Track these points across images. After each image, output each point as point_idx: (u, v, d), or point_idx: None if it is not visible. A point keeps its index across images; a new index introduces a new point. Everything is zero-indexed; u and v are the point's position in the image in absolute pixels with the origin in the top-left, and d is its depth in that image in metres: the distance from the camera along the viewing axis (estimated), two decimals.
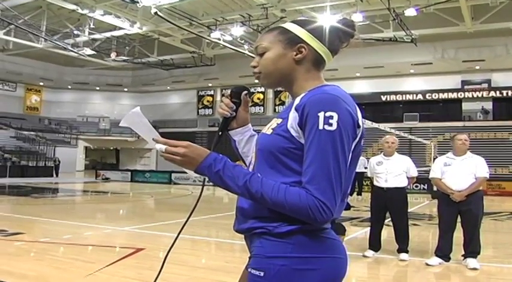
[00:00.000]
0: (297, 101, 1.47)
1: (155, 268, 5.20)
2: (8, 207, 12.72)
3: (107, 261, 5.46)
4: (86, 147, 41.33)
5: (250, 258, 1.50)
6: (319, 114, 1.37)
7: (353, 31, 1.60)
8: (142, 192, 20.27)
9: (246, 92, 1.70)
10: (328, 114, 1.36)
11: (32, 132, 37.15)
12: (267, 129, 1.51)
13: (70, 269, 5.25)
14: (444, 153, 6.29)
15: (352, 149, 1.43)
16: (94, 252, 6.47)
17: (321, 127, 1.36)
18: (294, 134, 1.42)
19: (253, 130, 1.79)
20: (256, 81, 1.62)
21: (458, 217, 5.73)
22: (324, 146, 1.36)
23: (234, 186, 1.40)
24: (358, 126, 1.44)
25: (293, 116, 1.43)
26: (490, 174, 5.97)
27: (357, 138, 1.45)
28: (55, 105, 42.46)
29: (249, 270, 1.46)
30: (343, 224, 7.00)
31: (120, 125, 1.58)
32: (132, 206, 14.81)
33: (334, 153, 1.36)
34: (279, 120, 1.49)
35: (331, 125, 1.36)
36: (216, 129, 1.68)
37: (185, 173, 1.54)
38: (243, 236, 1.56)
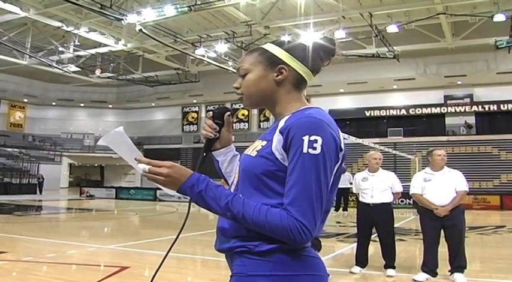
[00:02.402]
0: (281, 123, 1.49)
1: None
2: None
3: (91, 281, 5.39)
4: (70, 164, 41.00)
5: (231, 276, 1.51)
6: (303, 137, 1.39)
7: (334, 49, 1.62)
8: (127, 210, 20.12)
9: (228, 113, 1.71)
10: (312, 138, 1.39)
11: (16, 149, 36.77)
12: (252, 151, 1.52)
13: None
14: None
15: (334, 172, 1.46)
16: (78, 271, 6.38)
17: (305, 151, 1.38)
18: (278, 156, 1.44)
19: (238, 147, 1.80)
20: (238, 100, 1.63)
21: (442, 232, 5.75)
22: (307, 169, 1.38)
23: (216, 206, 1.41)
24: (341, 150, 1.47)
25: (277, 139, 1.45)
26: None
27: (339, 161, 1.48)
28: (39, 122, 42.06)
29: None
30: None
31: (98, 143, 1.57)
32: (117, 224, 14.67)
33: (317, 176, 1.38)
34: (264, 143, 1.50)
35: (315, 148, 1.38)
36: (201, 145, 1.69)
37: None
38: (225, 256, 1.56)
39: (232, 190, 1.56)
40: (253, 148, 1.53)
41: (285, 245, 1.39)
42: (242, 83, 1.60)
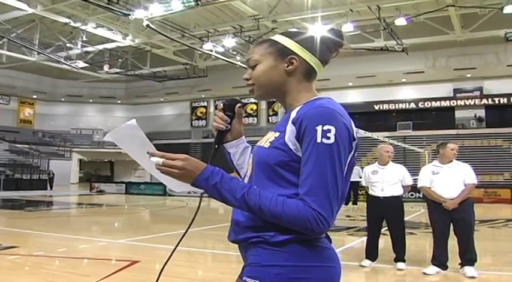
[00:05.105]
0: (293, 114, 1.49)
1: (150, 281, 5.17)
2: (2, 221, 12.59)
3: (102, 274, 5.42)
4: (80, 160, 41.23)
5: (244, 266, 1.52)
6: (317, 127, 1.39)
7: (341, 40, 1.63)
8: (137, 205, 20.18)
9: (239, 104, 1.70)
10: (326, 127, 1.39)
11: (26, 145, 37.00)
12: (264, 142, 1.52)
13: None
14: None
15: (348, 162, 1.46)
16: (89, 266, 6.43)
17: (319, 140, 1.38)
18: (291, 147, 1.44)
19: (247, 142, 1.80)
20: (248, 92, 1.63)
21: (451, 225, 5.72)
22: (322, 158, 1.38)
23: (231, 198, 1.40)
24: (354, 139, 1.47)
25: (290, 129, 1.45)
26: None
27: (353, 151, 1.47)
28: (49, 118, 42.33)
29: (244, 278, 1.47)
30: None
31: (105, 139, 1.51)
32: (127, 219, 14.73)
33: (332, 165, 1.38)
34: (276, 134, 1.50)
35: (329, 138, 1.38)
36: (210, 140, 1.68)
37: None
38: (238, 247, 1.56)
39: (245, 182, 1.54)
40: (266, 139, 1.53)
41: (300, 236, 1.40)
42: (252, 73, 1.60)
